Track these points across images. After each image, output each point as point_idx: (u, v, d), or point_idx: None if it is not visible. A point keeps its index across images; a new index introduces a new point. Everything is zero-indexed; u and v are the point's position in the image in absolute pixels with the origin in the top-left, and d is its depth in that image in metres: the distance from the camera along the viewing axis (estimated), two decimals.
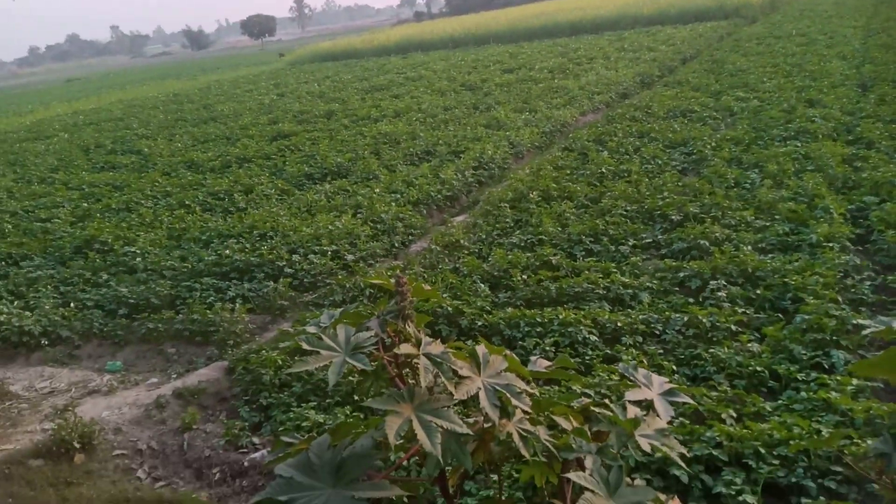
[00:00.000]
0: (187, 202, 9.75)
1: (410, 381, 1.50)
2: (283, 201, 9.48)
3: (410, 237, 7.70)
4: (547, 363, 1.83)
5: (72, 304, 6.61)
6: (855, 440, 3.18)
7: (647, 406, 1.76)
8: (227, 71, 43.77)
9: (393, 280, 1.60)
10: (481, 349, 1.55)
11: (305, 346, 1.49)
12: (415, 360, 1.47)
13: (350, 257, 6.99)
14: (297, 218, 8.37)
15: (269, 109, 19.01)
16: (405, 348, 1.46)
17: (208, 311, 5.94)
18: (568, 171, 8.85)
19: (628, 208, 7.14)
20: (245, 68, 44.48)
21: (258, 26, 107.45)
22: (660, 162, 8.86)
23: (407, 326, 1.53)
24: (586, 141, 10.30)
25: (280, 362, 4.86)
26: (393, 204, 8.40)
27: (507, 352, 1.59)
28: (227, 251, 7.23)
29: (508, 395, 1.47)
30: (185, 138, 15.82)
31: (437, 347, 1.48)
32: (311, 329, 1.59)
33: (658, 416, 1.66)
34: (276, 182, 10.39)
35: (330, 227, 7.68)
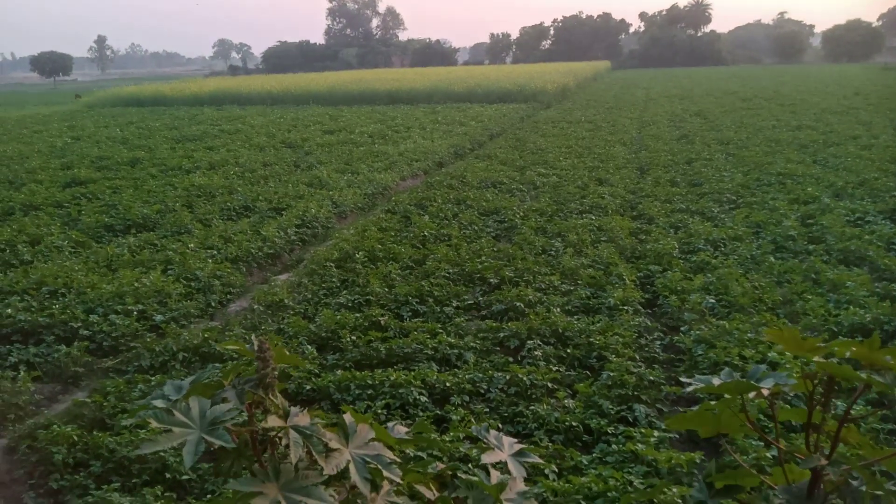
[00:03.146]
0: None
1: (276, 456, 1.40)
2: (78, 255, 8.52)
3: (229, 296, 7.27)
4: (405, 429, 1.81)
5: None
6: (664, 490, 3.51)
7: (504, 468, 1.81)
8: (11, 109, 38.99)
9: (252, 345, 1.50)
10: (348, 418, 1.50)
11: (154, 424, 1.33)
12: (279, 434, 1.38)
13: (159, 318, 6.42)
14: (95, 273, 7.55)
15: (62, 153, 17.18)
16: (272, 421, 1.37)
17: None
18: (392, 233, 9.02)
19: (450, 271, 7.42)
20: (34, 107, 40.02)
21: (51, 64, 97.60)
22: (476, 228, 9.38)
23: (270, 396, 1.44)
24: (408, 205, 10.62)
25: (76, 438, 4.26)
26: (209, 260, 7.92)
27: (372, 420, 1.56)
28: (9, 310, 6.30)
29: (379, 466, 1.43)
30: None
31: (304, 419, 1.40)
32: (157, 402, 1.43)
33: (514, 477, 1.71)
34: (70, 233, 9.33)
35: (135, 284, 7.02)
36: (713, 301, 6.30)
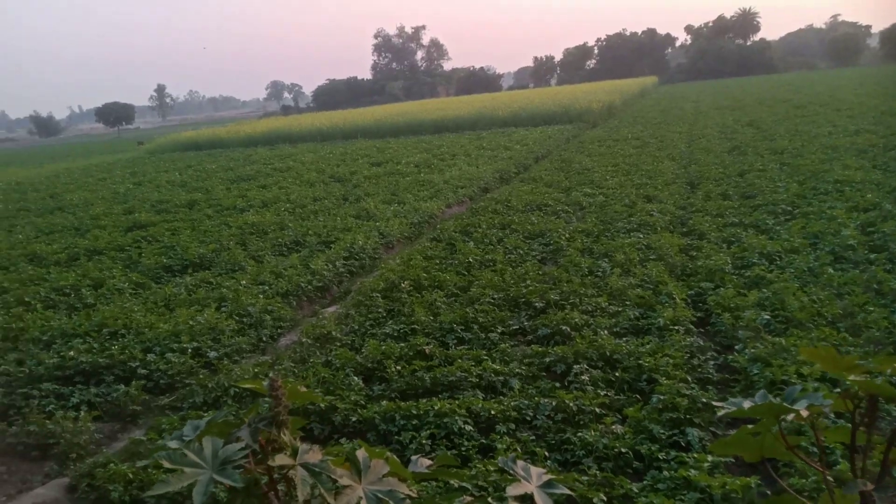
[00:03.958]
0: (27, 298, 8.84)
1: (291, 494, 1.41)
2: (137, 296, 8.86)
3: (279, 330, 7.43)
4: (428, 462, 1.79)
5: None
6: None
7: (529, 500, 1.77)
8: (78, 159, 41.35)
9: (266, 383, 1.53)
10: (361, 453, 1.50)
11: (167, 464, 1.36)
12: (290, 472, 1.39)
13: (213, 354, 6.59)
14: (153, 313, 7.84)
15: (124, 199, 18.04)
16: (280, 459, 1.38)
17: (47, 422, 5.29)
18: (437, 261, 9.06)
19: (495, 296, 7.38)
20: (99, 156, 42.27)
21: (115, 114, 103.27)
22: (521, 252, 9.32)
23: (282, 434, 1.46)
24: (453, 232, 10.66)
25: (131, 476, 4.39)
26: (260, 296, 8.12)
27: (389, 454, 1.55)
28: (72, 352, 6.58)
29: (391, 502, 1.42)
30: (28, 229, 14.59)
31: (315, 455, 1.41)
32: (172, 443, 1.46)
33: None
34: (131, 275, 9.74)
35: (191, 322, 7.25)
36: (769, 317, 6.06)
